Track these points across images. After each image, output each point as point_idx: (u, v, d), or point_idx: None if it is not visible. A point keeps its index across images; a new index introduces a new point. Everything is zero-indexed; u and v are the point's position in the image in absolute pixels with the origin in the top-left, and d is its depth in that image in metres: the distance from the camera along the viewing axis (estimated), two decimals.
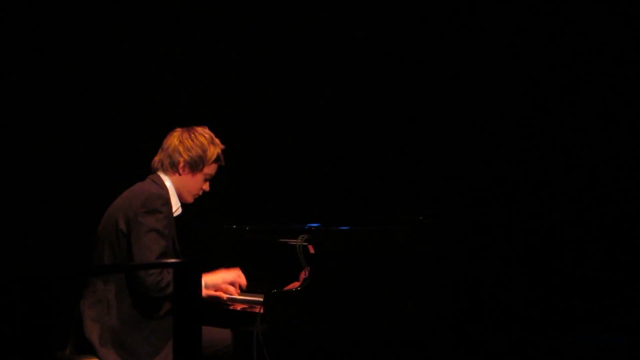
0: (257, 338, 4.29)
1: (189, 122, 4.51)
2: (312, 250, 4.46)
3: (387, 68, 6.07)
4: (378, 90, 6.09)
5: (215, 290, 4.39)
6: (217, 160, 4.41)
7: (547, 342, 5.16)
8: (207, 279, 4.38)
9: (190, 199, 4.43)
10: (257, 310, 4.32)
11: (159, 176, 4.37)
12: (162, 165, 4.38)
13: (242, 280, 4.46)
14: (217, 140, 4.44)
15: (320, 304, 4.35)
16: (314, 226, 4.56)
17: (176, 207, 4.37)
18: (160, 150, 4.41)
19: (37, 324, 3.00)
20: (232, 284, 4.42)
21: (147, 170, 4.43)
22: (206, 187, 4.45)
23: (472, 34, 5.93)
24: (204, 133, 4.41)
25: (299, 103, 6.06)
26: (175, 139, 4.39)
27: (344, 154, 6.04)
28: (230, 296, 4.43)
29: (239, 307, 4.43)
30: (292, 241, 4.48)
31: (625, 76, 5.62)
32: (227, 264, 4.58)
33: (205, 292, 4.34)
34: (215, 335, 4.32)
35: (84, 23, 5.63)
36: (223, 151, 4.45)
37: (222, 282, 4.42)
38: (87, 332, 4.12)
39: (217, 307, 4.43)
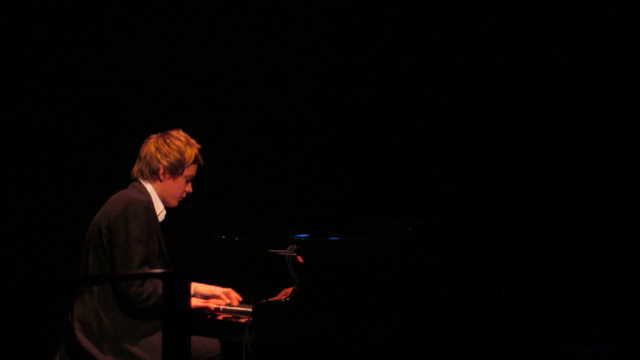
0: (246, 348, 4.29)
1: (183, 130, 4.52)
2: (301, 261, 4.46)
3: (376, 79, 6.08)
4: (368, 100, 6.09)
5: (205, 300, 4.42)
6: (195, 160, 4.43)
7: (536, 354, 5.17)
8: (199, 287, 4.41)
9: (174, 203, 4.44)
10: (245, 320, 4.32)
11: (140, 183, 4.38)
12: (142, 173, 4.39)
13: (227, 298, 4.47)
14: (192, 141, 4.44)
15: (309, 315, 4.35)
16: (303, 237, 4.56)
17: (159, 211, 4.38)
18: (138, 160, 4.42)
19: (25, 334, 2.99)
20: (218, 297, 4.45)
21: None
22: (189, 188, 4.45)
23: (470, 39, 5.95)
24: (179, 136, 4.42)
25: (288, 112, 6.06)
26: (152, 146, 4.39)
27: (333, 165, 6.04)
28: (219, 306, 4.44)
29: (227, 317, 4.44)
30: (281, 252, 4.48)
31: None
32: (216, 275, 4.59)
33: (194, 301, 4.36)
34: (204, 344, 4.32)
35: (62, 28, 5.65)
36: (200, 150, 4.46)
37: (209, 293, 4.44)
38: (81, 340, 4.13)
39: (206, 317, 4.44)
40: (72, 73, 5.67)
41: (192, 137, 4.47)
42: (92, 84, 5.70)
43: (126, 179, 4.44)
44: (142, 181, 4.39)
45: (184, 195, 4.46)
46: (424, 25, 6.04)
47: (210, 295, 4.47)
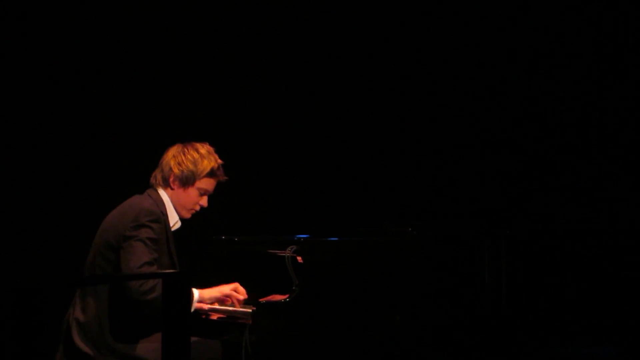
0: (246, 348, 4.29)
1: (184, 132, 4.51)
2: (300, 261, 4.46)
3: (376, 80, 6.08)
4: (367, 101, 6.09)
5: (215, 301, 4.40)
6: (210, 174, 4.39)
7: (537, 354, 5.17)
8: (204, 292, 4.37)
9: (186, 214, 4.41)
10: (245, 320, 4.32)
11: (157, 191, 4.37)
12: (156, 179, 4.39)
13: (239, 294, 4.43)
14: (213, 156, 4.40)
15: (309, 315, 4.35)
16: (302, 237, 4.56)
17: (174, 222, 4.36)
18: (157, 166, 4.42)
19: (27, 334, 2.99)
20: (229, 296, 4.42)
21: (147, 180, 4.44)
22: (203, 202, 4.41)
23: (478, 40, 5.96)
24: (199, 148, 4.39)
25: (287, 113, 6.06)
26: (170, 154, 4.39)
27: (333, 165, 6.04)
28: (218, 307, 4.43)
29: (223, 317, 4.43)
30: (281, 252, 4.48)
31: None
32: (216, 275, 4.58)
33: (208, 301, 4.35)
34: (204, 346, 4.31)
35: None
36: (222, 166, 4.42)
37: (219, 295, 4.40)
38: (80, 343, 4.13)
39: (200, 317, 4.43)
40: (96, 73, 5.68)
41: (191, 136, 4.46)
42: (111, 84, 5.70)
43: (128, 181, 4.43)
44: (159, 189, 4.38)
45: (197, 208, 4.42)
46: (423, 25, 6.05)
47: (220, 296, 4.43)
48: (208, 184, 4.40)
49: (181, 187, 4.36)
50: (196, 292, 4.32)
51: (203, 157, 4.37)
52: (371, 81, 6.08)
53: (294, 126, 6.05)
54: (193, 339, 3.92)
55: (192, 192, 4.38)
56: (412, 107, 6.05)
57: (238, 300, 4.40)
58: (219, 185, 4.46)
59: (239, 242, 4.79)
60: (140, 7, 5.74)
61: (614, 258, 5.36)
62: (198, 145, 4.40)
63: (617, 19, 5.76)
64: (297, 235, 4.59)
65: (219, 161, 4.42)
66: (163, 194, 4.37)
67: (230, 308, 4.41)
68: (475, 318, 4.77)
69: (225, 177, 4.46)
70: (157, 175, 4.39)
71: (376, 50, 6.07)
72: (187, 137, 4.47)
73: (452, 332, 4.70)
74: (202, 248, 4.94)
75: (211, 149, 4.43)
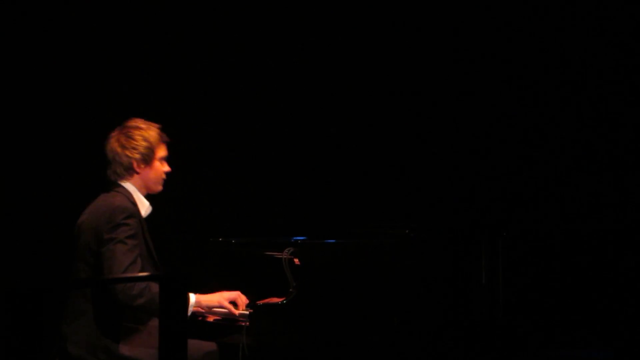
0: (243, 351, 4.29)
1: (181, 130, 4.49)
2: (298, 263, 4.45)
3: (371, 80, 6.08)
4: (363, 102, 6.09)
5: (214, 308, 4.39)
6: (161, 139, 4.39)
7: (534, 356, 5.17)
8: (202, 299, 4.36)
9: (160, 188, 4.41)
10: (242, 323, 4.31)
11: (121, 185, 4.35)
12: (118, 174, 4.35)
13: (239, 304, 4.43)
14: (150, 123, 4.40)
15: (306, 317, 4.34)
16: (299, 239, 4.55)
17: (144, 209, 4.36)
18: (108, 163, 4.39)
19: (20, 340, 2.98)
20: (232, 302, 4.41)
21: None
22: (167, 168, 4.42)
23: (470, 43, 5.96)
24: (138, 125, 4.37)
25: (286, 115, 6.05)
26: (116, 145, 4.34)
27: (330, 166, 6.04)
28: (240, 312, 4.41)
29: (224, 319, 4.42)
30: (278, 254, 4.48)
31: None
32: (213, 278, 4.57)
33: (205, 308, 4.35)
34: (201, 347, 4.30)
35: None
36: (161, 129, 4.41)
37: (218, 304, 4.39)
38: (72, 347, 4.12)
39: (198, 319, 4.42)
40: (70, 72, 5.67)
41: (189, 138, 4.45)
42: (84, 84, 5.69)
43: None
44: (121, 182, 4.36)
45: (165, 177, 4.43)
46: (420, 25, 6.05)
47: (218, 306, 4.42)
48: (164, 149, 4.41)
49: (147, 166, 4.35)
50: (193, 297, 4.31)
51: (147, 129, 4.36)
52: (369, 81, 6.08)
53: (291, 127, 6.04)
54: (189, 340, 3.90)
55: (156, 164, 4.37)
56: (408, 107, 6.04)
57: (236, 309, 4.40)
58: (217, 187, 4.45)
59: (236, 244, 4.78)
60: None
61: (612, 259, 5.35)
62: (133, 123, 4.38)
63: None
64: (294, 238, 4.58)
65: (158, 125, 4.42)
66: (128, 185, 4.35)
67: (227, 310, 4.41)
68: (473, 319, 4.76)
69: (169, 139, 4.44)
70: (115, 169, 4.35)
71: (375, 50, 6.07)
72: (184, 136, 4.47)
73: (450, 333, 4.70)
74: (199, 250, 4.93)
75: (143, 119, 4.41)
